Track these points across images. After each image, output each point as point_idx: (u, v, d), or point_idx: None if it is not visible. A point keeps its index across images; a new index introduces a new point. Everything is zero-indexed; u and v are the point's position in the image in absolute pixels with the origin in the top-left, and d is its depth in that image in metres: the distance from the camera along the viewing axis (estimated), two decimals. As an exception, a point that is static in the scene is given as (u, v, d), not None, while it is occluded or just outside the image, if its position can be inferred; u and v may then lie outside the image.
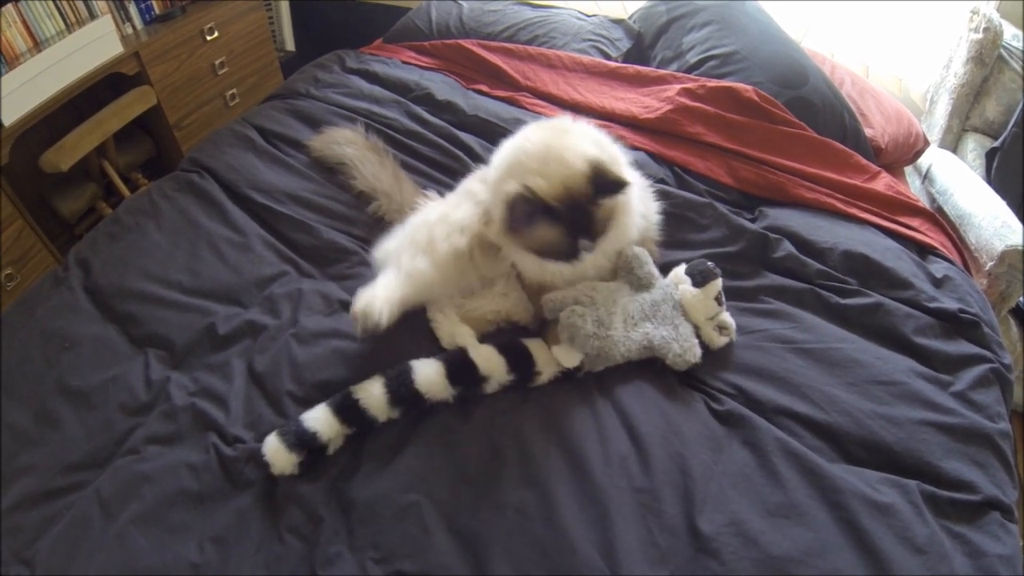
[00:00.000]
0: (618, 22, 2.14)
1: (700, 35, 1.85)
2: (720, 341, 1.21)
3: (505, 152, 1.15)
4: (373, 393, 1.05)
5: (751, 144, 1.59)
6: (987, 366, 1.30)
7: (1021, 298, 1.82)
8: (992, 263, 1.69)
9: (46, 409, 1.12)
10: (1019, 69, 2.19)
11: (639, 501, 0.99)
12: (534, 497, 0.98)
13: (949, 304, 1.39)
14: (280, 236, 1.44)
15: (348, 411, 1.04)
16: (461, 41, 2.01)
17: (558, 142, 1.10)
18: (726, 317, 1.23)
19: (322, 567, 0.90)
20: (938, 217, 1.68)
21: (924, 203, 1.75)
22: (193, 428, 1.08)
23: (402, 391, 1.05)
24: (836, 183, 1.58)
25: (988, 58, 2.18)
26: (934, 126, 2.33)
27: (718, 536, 0.96)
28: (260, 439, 1.03)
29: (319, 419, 1.03)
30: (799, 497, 1.02)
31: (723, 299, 1.22)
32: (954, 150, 2.29)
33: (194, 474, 1.02)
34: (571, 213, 1.06)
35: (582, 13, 2.17)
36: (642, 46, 2.05)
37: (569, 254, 1.10)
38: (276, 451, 1.00)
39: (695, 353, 1.18)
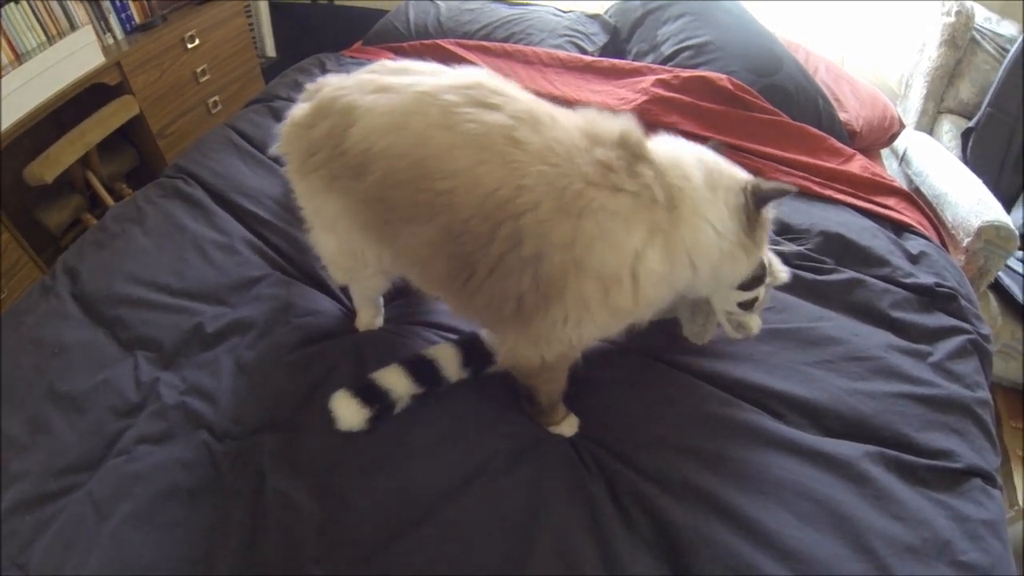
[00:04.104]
0: (594, 17, 2.17)
1: (674, 27, 1.88)
2: (735, 335, 1.18)
3: (697, 180, 0.97)
4: (446, 354, 1.09)
5: (726, 131, 1.62)
6: (965, 337, 1.33)
7: (1000, 273, 1.85)
8: (969, 239, 1.73)
9: (37, 415, 1.12)
10: (992, 51, 2.23)
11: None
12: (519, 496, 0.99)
13: (926, 279, 1.42)
14: (265, 240, 1.45)
15: (422, 370, 1.07)
16: (439, 41, 2.03)
17: (706, 154, 1.01)
18: (749, 320, 1.16)
19: (308, 565, 0.92)
20: (914, 196, 1.72)
21: (901, 184, 1.78)
22: (184, 426, 1.09)
23: (472, 352, 1.10)
24: (812, 166, 1.61)
25: (961, 40, 2.23)
26: (910, 109, 2.38)
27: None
28: (250, 433, 1.05)
29: (391, 377, 1.06)
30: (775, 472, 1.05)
31: (754, 307, 1.14)
32: (930, 132, 2.34)
33: (185, 471, 1.03)
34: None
35: (558, 9, 2.20)
36: (618, 40, 2.09)
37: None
38: (346, 406, 1.03)
39: (702, 337, 1.22)
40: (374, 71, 1.04)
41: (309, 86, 1.12)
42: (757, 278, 1.07)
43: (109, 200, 2.22)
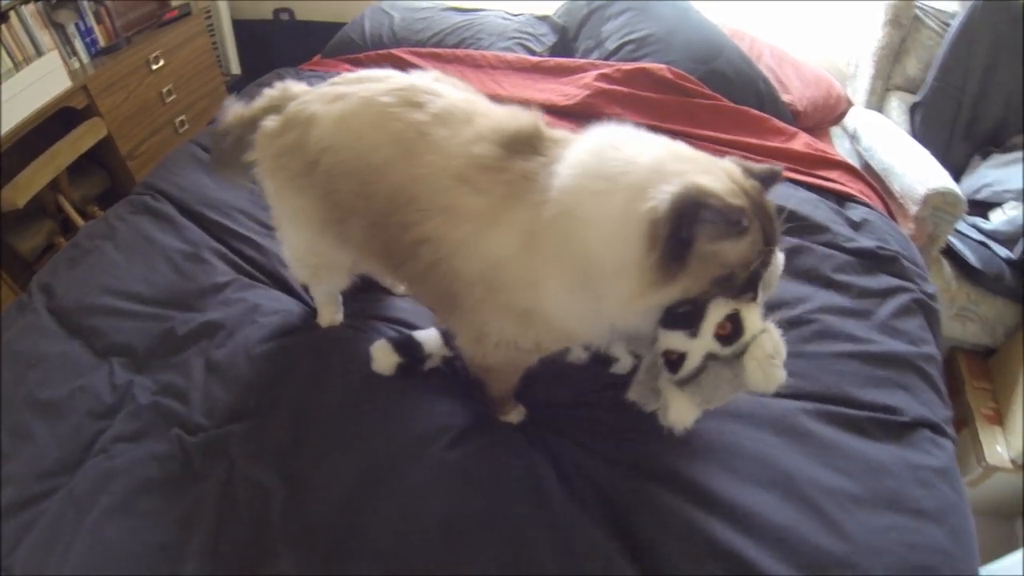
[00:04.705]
0: (543, 19, 2.25)
1: (618, 23, 1.96)
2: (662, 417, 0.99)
3: (583, 170, 0.83)
4: None
5: (668, 118, 1.68)
6: (908, 296, 1.40)
7: (952, 239, 1.92)
8: (917, 207, 1.79)
9: (18, 424, 1.16)
10: (935, 27, 2.31)
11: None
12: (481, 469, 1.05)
13: (867, 243, 1.49)
14: (231, 248, 1.50)
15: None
16: (393, 50, 2.09)
17: (665, 144, 0.86)
18: (668, 395, 0.90)
19: (275, 541, 0.97)
20: (857, 169, 1.79)
21: (854, 162, 1.85)
22: (157, 423, 1.14)
23: None
24: (754, 147, 1.68)
25: (904, 19, 2.31)
26: (859, 89, 2.45)
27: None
28: (220, 424, 1.10)
29: (428, 336, 1.18)
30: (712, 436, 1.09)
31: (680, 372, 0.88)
32: (880, 109, 2.40)
33: (159, 464, 1.08)
34: (758, 216, 0.80)
35: (508, 13, 2.27)
36: (567, 39, 2.16)
37: (754, 281, 0.82)
38: (382, 350, 1.15)
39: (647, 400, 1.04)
40: (336, 83, 1.10)
41: (269, 91, 1.16)
42: (683, 318, 0.81)
43: (81, 223, 2.25)
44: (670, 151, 0.83)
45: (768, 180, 0.84)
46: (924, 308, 1.41)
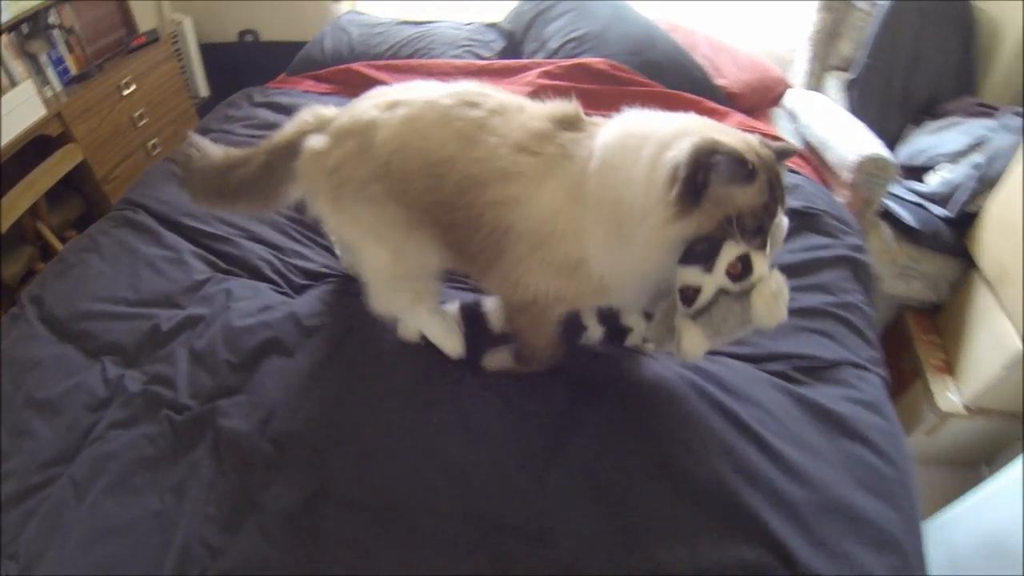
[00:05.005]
0: (492, 25, 2.39)
1: (560, 24, 2.11)
2: (675, 350, 1.09)
3: (621, 131, 1.00)
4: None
5: (604, 107, 1.70)
6: (831, 251, 1.52)
7: (890, 203, 2.00)
8: (851, 174, 1.87)
9: (17, 423, 1.23)
10: (865, 8, 2.39)
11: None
12: (449, 419, 1.16)
13: (794, 204, 1.60)
14: (209, 249, 1.60)
15: (471, 315, 1.28)
16: (351, 65, 2.22)
17: (693, 116, 1.00)
18: (684, 329, 1.01)
19: (258, 492, 1.09)
20: (798, 149, 1.89)
21: (795, 140, 1.97)
22: (148, 408, 1.23)
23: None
24: None
25: (836, 3, 2.41)
26: (799, 72, 2.55)
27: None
28: (205, 402, 1.22)
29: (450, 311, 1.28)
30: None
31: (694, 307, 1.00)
32: (819, 90, 2.49)
33: (152, 443, 1.17)
34: (766, 172, 0.92)
35: (459, 23, 2.41)
36: (515, 43, 2.30)
37: (761, 228, 0.92)
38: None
39: (660, 340, 1.19)
40: (376, 95, 1.18)
41: (300, 118, 1.25)
42: (699, 255, 0.92)
43: (60, 248, 2.32)
44: (696, 120, 0.98)
45: (781, 154, 0.98)
46: (849, 261, 1.53)
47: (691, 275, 0.93)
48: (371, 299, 1.24)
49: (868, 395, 1.26)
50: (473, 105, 1.09)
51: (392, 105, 1.12)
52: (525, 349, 1.23)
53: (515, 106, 1.10)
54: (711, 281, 0.92)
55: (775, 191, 0.93)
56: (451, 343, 1.25)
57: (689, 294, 0.94)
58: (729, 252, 0.91)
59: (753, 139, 0.95)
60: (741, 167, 0.88)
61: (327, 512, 1.06)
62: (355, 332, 1.32)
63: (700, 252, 0.92)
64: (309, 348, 1.29)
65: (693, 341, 0.97)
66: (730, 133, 0.94)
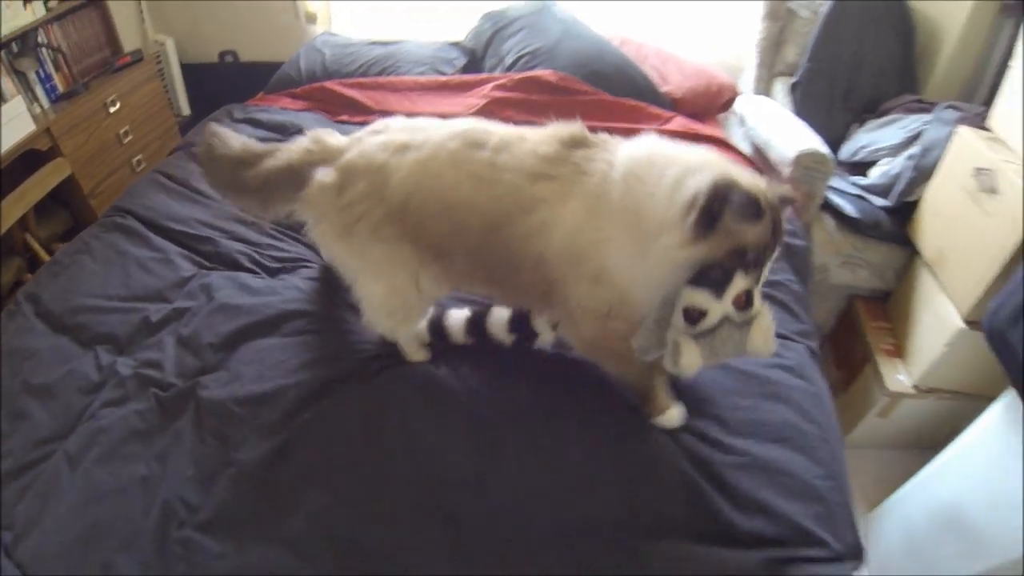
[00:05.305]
0: (455, 44, 2.58)
1: (515, 40, 2.31)
2: (670, 365, 1.14)
3: (649, 149, 1.08)
4: (499, 319, 1.35)
5: (553, 115, 1.92)
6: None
7: (832, 196, 2.07)
8: (790, 169, 1.96)
9: (15, 407, 1.32)
10: (807, 16, 2.52)
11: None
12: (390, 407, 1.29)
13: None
14: (193, 250, 1.74)
15: (476, 325, 1.37)
16: (324, 83, 2.38)
17: (713, 151, 1.09)
18: (684, 346, 1.07)
19: (233, 452, 1.22)
20: (728, 142, 2.05)
21: (745, 145, 2.09)
22: (138, 388, 1.36)
23: (519, 323, 1.34)
24: (633, 131, 1.86)
25: (780, 13, 2.54)
26: (748, 79, 2.68)
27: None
28: (189, 379, 1.36)
29: (456, 322, 1.37)
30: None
31: (698, 328, 1.07)
32: (767, 95, 2.62)
33: (141, 417, 1.30)
34: (772, 213, 0.99)
35: (425, 42, 2.59)
36: (476, 59, 2.49)
37: (760, 264, 1.00)
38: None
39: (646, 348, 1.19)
40: (379, 131, 1.24)
41: (302, 142, 1.31)
42: (712, 281, 0.99)
43: (47, 259, 2.41)
44: (720, 157, 1.07)
45: (784, 200, 1.06)
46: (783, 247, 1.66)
47: (700, 298, 1.00)
48: (364, 318, 1.35)
49: (792, 361, 1.38)
50: (478, 145, 1.14)
51: (401, 148, 1.17)
52: (625, 384, 1.26)
53: (516, 137, 1.16)
54: (719, 307, 1.00)
55: (777, 233, 1.01)
56: (417, 354, 1.37)
57: (694, 315, 1.01)
58: (738, 284, 0.99)
59: (763, 184, 1.03)
60: (753, 206, 0.96)
61: (289, 465, 1.20)
62: (327, 316, 1.47)
63: (714, 279, 0.99)
64: (285, 330, 1.44)
65: (692, 359, 1.04)
66: (745, 175, 1.02)
